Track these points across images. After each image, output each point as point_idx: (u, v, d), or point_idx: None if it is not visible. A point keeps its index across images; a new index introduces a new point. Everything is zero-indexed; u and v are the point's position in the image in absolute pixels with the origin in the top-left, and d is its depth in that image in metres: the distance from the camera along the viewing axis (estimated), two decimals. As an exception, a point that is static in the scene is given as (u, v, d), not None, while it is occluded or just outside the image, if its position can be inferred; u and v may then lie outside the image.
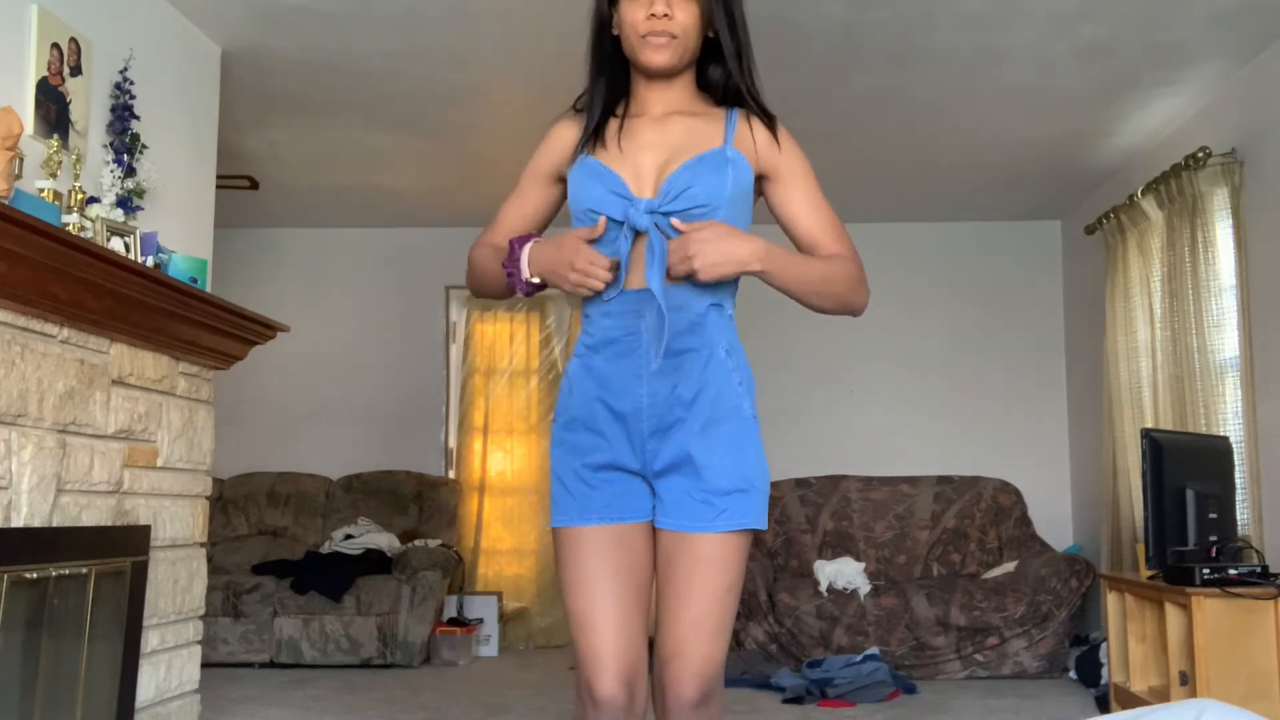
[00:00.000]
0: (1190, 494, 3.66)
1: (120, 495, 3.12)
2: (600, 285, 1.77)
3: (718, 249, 1.73)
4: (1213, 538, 3.69)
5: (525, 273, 1.84)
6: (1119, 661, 4.28)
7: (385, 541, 5.82)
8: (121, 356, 3.11)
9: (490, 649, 5.91)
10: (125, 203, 3.20)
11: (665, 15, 1.80)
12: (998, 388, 6.41)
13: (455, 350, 6.67)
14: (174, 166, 3.76)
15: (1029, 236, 6.53)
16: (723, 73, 1.91)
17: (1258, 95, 4.23)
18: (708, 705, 1.78)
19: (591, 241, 1.81)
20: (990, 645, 5.14)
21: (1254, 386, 4.15)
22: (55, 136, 2.98)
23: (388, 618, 5.44)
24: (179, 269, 3.34)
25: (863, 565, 5.46)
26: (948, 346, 6.46)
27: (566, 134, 1.94)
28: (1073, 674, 5.07)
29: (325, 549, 5.86)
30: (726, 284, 1.84)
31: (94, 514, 2.98)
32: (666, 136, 1.86)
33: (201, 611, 3.62)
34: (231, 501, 6.21)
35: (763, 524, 1.81)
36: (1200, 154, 4.35)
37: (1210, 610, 3.47)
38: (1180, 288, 4.54)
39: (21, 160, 2.76)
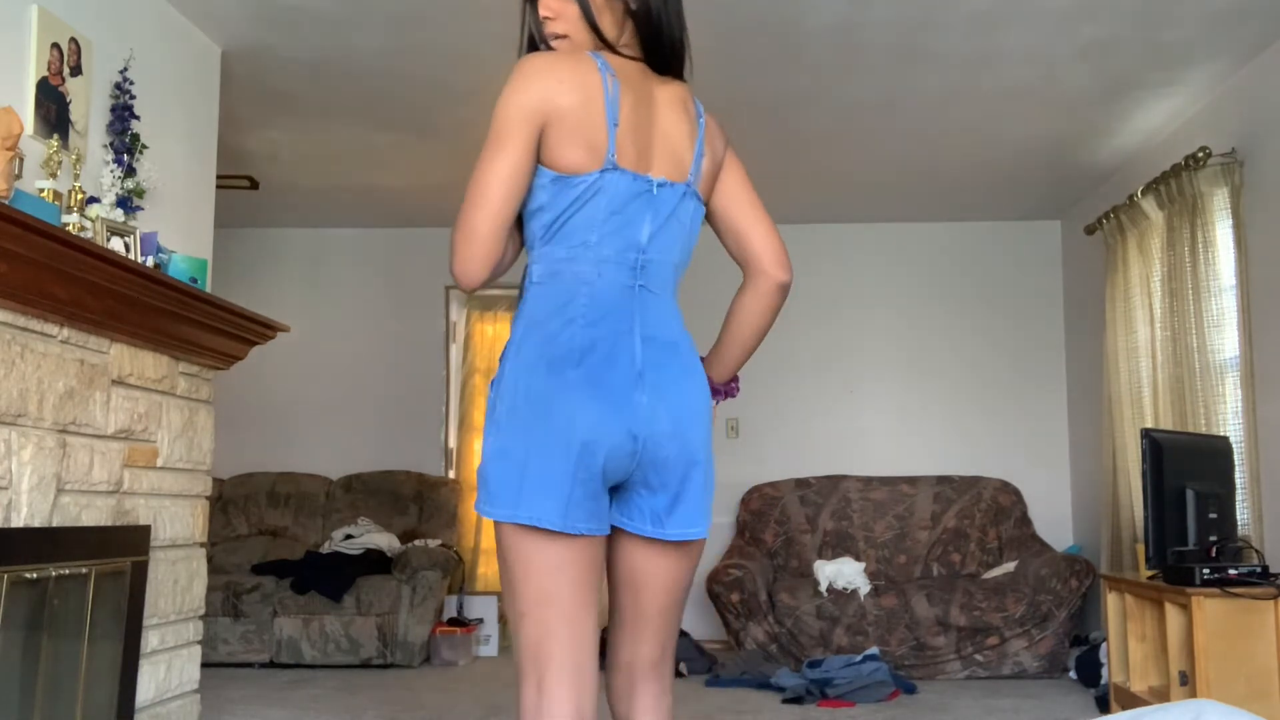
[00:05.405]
0: (1190, 494, 3.66)
1: (120, 495, 3.12)
2: None
3: None
4: (1213, 538, 3.69)
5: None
6: (1119, 661, 4.28)
7: (385, 541, 5.82)
8: (121, 356, 3.11)
9: (490, 649, 5.90)
10: (125, 203, 3.20)
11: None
12: (997, 388, 6.41)
13: (455, 350, 6.67)
14: (174, 166, 3.76)
15: (1029, 236, 6.53)
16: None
17: (1258, 95, 4.23)
18: None
19: None
20: (990, 645, 5.14)
21: (1254, 386, 4.15)
22: (55, 136, 2.98)
23: (388, 618, 5.44)
24: (179, 269, 3.34)
25: (863, 565, 5.46)
26: (948, 346, 6.46)
27: None
28: (1073, 674, 5.07)
29: (325, 549, 5.85)
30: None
31: (94, 514, 2.98)
32: None
33: (201, 611, 3.63)
34: (231, 501, 6.21)
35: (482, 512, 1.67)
36: (1200, 154, 4.35)
37: (1210, 610, 3.47)
38: (1180, 288, 4.54)
39: (21, 160, 2.77)
